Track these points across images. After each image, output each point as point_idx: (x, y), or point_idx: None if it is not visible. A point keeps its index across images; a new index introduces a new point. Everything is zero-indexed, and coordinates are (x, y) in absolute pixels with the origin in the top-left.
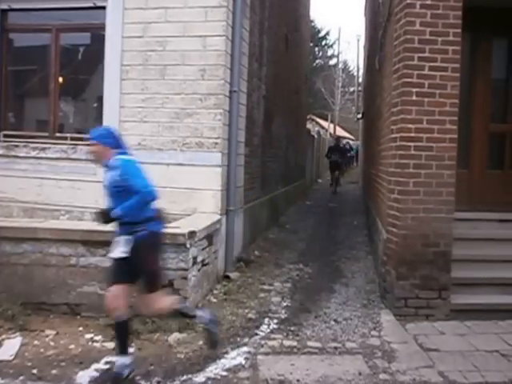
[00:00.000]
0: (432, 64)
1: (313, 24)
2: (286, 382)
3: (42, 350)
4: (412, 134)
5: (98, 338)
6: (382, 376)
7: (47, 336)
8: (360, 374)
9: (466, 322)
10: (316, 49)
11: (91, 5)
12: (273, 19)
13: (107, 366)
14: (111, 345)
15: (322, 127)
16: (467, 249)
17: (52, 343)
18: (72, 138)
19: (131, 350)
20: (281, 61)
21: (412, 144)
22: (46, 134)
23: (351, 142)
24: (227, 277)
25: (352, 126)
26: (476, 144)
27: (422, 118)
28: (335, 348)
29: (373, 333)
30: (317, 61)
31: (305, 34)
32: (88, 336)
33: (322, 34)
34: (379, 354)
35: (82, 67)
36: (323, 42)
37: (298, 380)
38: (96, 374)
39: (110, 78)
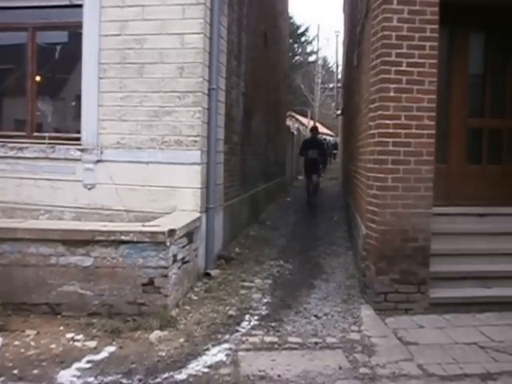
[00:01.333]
0: (410, 60)
1: (292, 20)
2: (267, 378)
3: (23, 350)
4: (390, 130)
5: (79, 337)
6: (361, 370)
7: (28, 336)
8: (340, 368)
9: (444, 315)
10: (295, 45)
11: (67, 3)
12: (251, 16)
13: (89, 365)
14: (92, 344)
15: (302, 124)
16: (446, 243)
17: (33, 343)
18: (50, 138)
19: (112, 348)
20: (260, 58)
21: (390, 140)
22: (24, 134)
23: (327, 138)
24: (208, 274)
25: (332, 122)
26: (454, 139)
27: (400, 114)
28: (316, 343)
29: (353, 327)
30: (296, 57)
31: (284, 30)
32: (69, 335)
33: (301, 30)
34: (359, 349)
35: (60, 66)
36: (302, 39)
37: (278, 375)
38: (78, 374)
39: (88, 76)
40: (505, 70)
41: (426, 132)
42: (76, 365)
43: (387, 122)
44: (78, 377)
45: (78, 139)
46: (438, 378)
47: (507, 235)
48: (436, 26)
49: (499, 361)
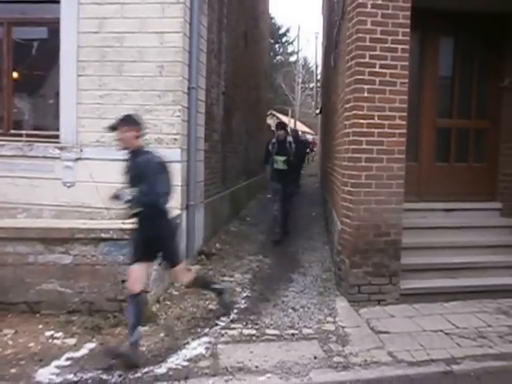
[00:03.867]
0: (382, 62)
1: (273, 21)
2: (245, 369)
3: (0, 349)
4: (364, 129)
5: (59, 334)
6: (335, 359)
7: (6, 335)
8: (315, 357)
9: (414, 304)
10: (276, 45)
11: None
12: (232, 16)
13: (68, 363)
14: (72, 341)
15: None
16: (416, 237)
17: (11, 342)
18: (28, 135)
19: (92, 345)
20: (240, 57)
21: (364, 139)
22: (0, 131)
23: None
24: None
25: (312, 120)
26: (424, 138)
27: (373, 113)
28: (292, 334)
29: (328, 319)
30: (277, 57)
31: (264, 31)
32: (48, 333)
33: (282, 31)
34: (334, 339)
35: (38, 63)
36: (283, 39)
37: (256, 366)
38: (57, 371)
39: (67, 74)
40: (471, 73)
41: (397, 131)
42: (55, 362)
43: (361, 121)
44: (57, 374)
45: (57, 137)
46: (406, 364)
47: (471, 229)
48: (408, 30)
49: (463, 346)
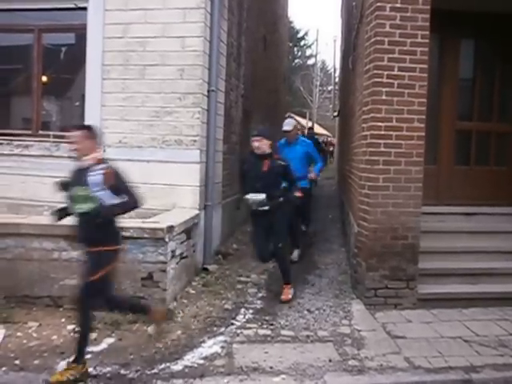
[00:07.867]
0: (401, 65)
1: (292, 25)
2: (260, 369)
3: (25, 341)
4: (382, 132)
5: None
6: (351, 362)
7: (30, 328)
8: (330, 360)
9: (432, 310)
10: (295, 49)
11: (72, 6)
12: (251, 20)
13: (88, 356)
14: (92, 335)
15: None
16: (434, 241)
17: (35, 334)
18: (55, 136)
19: (111, 340)
20: (259, 61)
21: (382, 141)
22: (29, 132)
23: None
24: (206, 269)
25: (329, 123)
26: (444, 141)
27: (391, 116)
28: (307, 336)
29: (344, 321)
30: (296, 60)
31: (283, 34)
32: (70, 327)
33: (300, 34)
34: (349, 342)
35: (65, 67)
36: (302, 43)
37: (271, 367)
38: None
39: (92, 77)
40: (493, 75)
41: (416, 134)
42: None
43: (379, 124)
44: None
45: None
46: (423, 371)
47: (492, 234)
48: (427, 32)
49: (483, 354)
